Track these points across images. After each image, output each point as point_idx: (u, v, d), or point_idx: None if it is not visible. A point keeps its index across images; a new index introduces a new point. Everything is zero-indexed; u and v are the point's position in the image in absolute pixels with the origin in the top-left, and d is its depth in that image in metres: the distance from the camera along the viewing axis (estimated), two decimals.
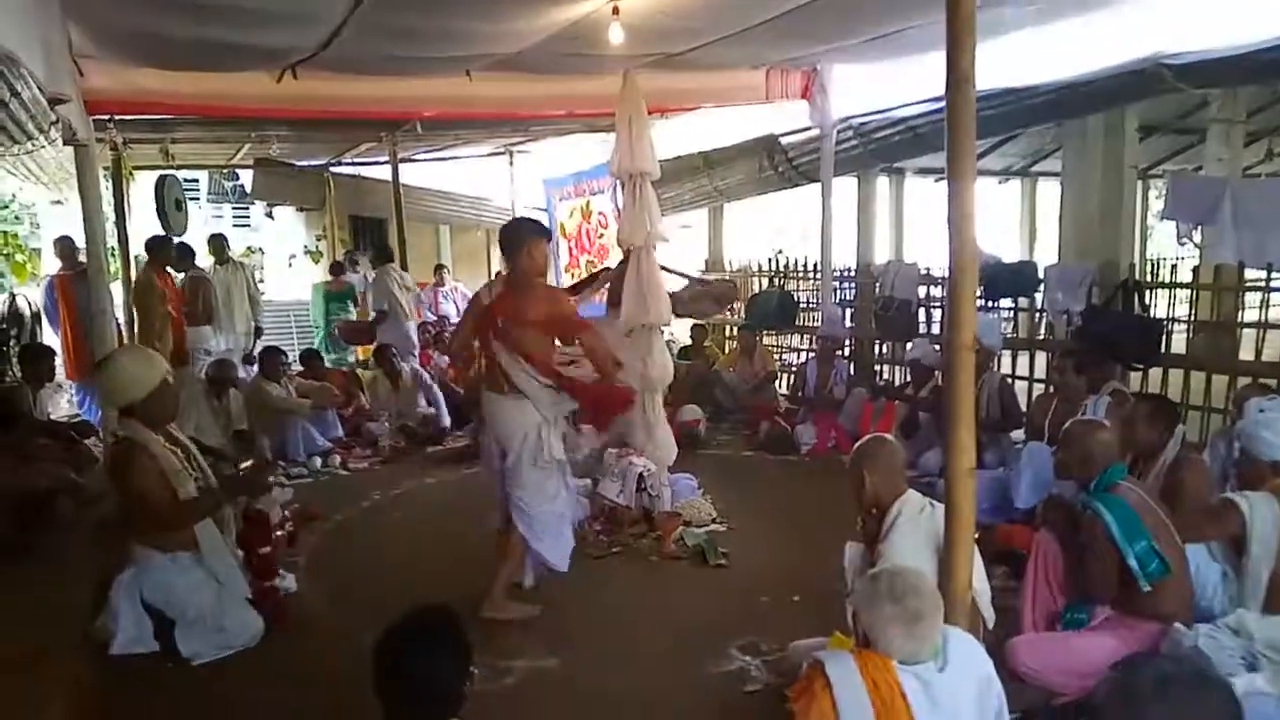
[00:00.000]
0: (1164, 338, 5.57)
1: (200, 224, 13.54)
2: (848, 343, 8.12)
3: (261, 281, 10.14)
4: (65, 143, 5.12)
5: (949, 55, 2.58)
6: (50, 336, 8.32)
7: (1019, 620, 3.29)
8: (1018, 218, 13.12)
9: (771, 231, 18.07)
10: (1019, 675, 2.91)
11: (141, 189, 10.41)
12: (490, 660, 3.25)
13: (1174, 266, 6.12)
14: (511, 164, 12.17)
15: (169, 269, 7.57)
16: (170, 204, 9.42)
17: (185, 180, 12.86)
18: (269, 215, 14.25)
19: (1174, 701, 1.41)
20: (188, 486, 3.61)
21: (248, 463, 4.10)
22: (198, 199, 14.07)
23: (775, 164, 8.88)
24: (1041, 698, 2.92)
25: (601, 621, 3.89)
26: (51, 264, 8.59)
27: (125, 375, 3.63)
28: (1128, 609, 3.06)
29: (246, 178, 12.48)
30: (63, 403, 8.84)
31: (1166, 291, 6.09)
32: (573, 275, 11.87)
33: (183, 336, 7.40)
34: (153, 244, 7.51)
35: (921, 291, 7.59)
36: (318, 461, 6.68)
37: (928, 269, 7.59)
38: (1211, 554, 3.32)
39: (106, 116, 7.06)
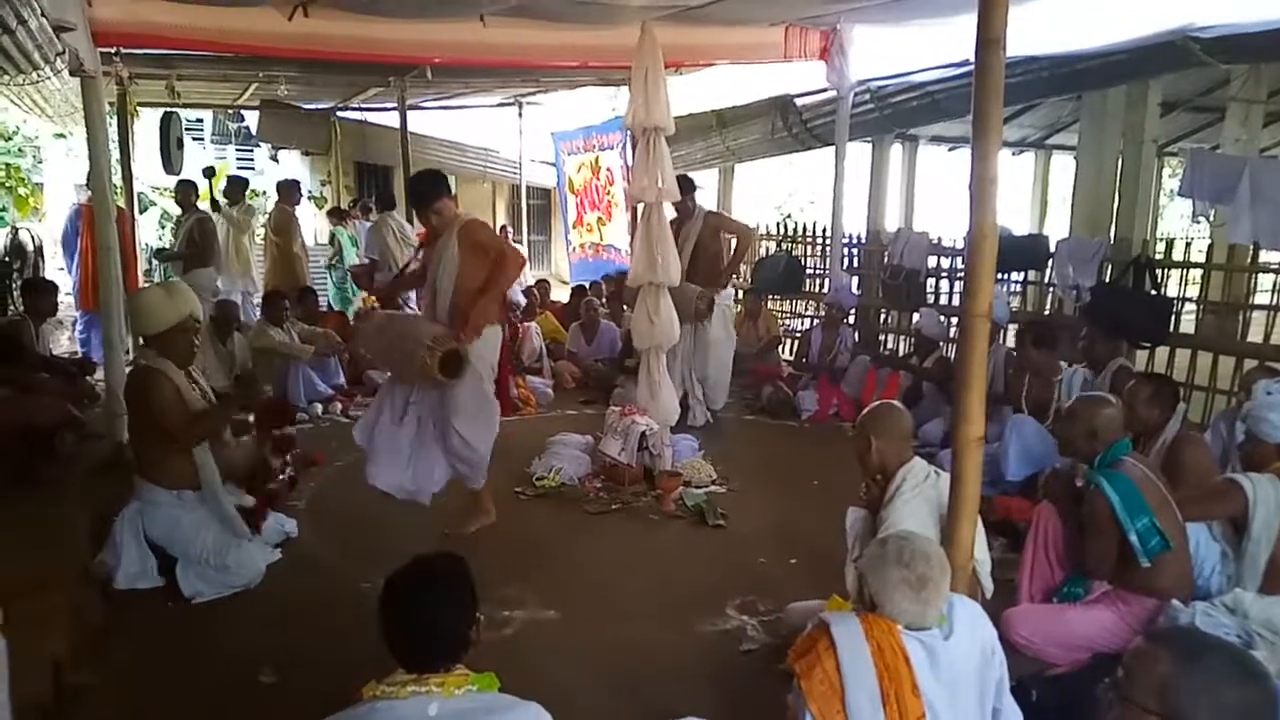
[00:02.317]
0: (1174, 317, 5.55)
1: (204, 164, 13.43)
2: (853, 310, 8.09)
3: (264, 225, 10.03)
4: (71, 73, 5.03)
5: (980, 15, 2.52)
6: (53, 270, 8.29)
7: (1016, 591, 3.32)
8: (1030, 191, 12.99)
9: (782, 195, 17.94)
10: (1014, 645, 2.93)
11: (146, 125, 10.31)
12: (489, 611, 3.26)
13: (1187, 245, 6.07)
14: (520, 115, 12.03)
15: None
16: (172, 141, 9.34)
17: (190, 120, 12.76)
18: (274, 159, 14.10)
19: (1221, 680, 1.39)
20: None
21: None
22: (202, 139, 13.92)
23: (789, 125, 8.76)
24: (1035, 668, 2.94)
25: (600, 577, 3.92)
26: (60, 198, 8.52)
27: (151, 305, 3.70)
28: (1126, 584, 3.07)
29: (252, 119, 12.32)
30: (63, 339, 8.84)
31: (1178, 271, 6.05)
32: (580, 232, 11.83)
33: None
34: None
35: (931, 261, 7.54)
36: (319, 408, 6.68)
37: (938, 239, 7.53)
38: (1212, 533, 3.33)
39: (113, 49, 6.95)
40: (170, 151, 9.39)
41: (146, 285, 3.98)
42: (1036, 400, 4.92)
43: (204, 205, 8.64)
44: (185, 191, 8.28)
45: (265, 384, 6.05)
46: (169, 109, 9.69)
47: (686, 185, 5.99)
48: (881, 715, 1.93)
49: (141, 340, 3.91)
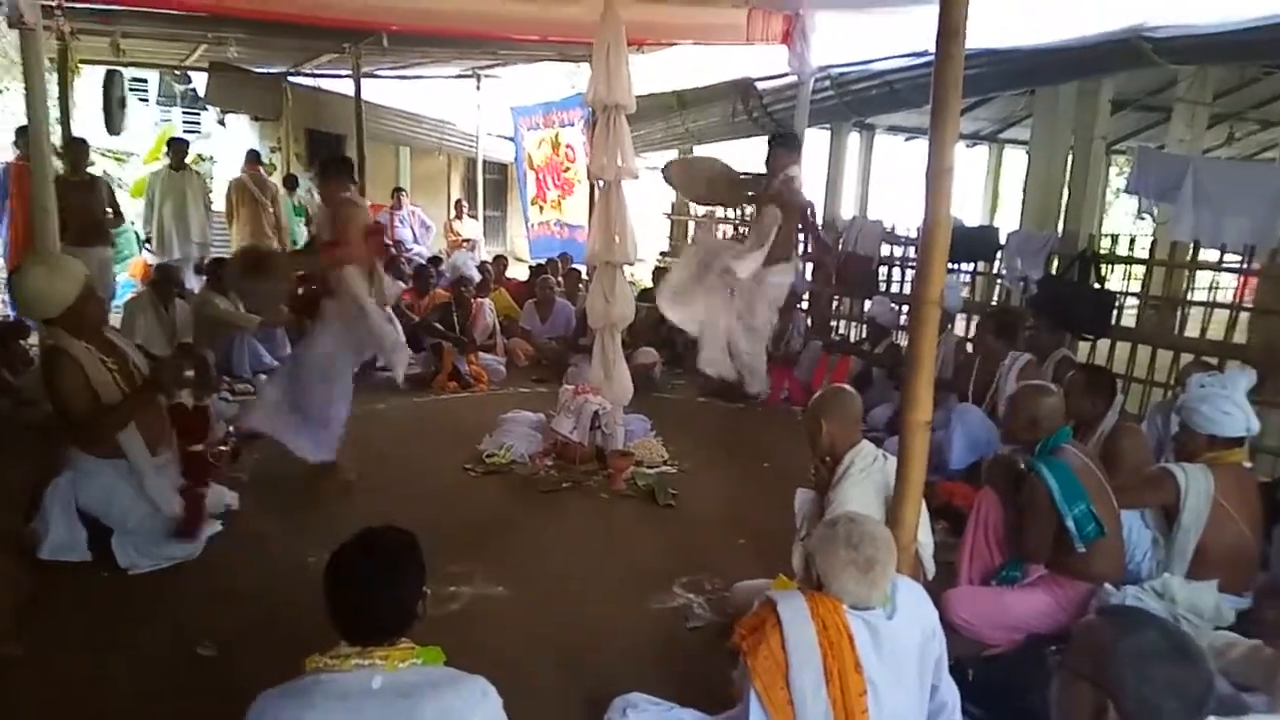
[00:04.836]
0: (1116, 311, 5.69)
1: (150, 126, 13.00)
2: (806, 296, 8.16)
3: (210, 191, 9.79)
4: (10, 25, 4.81)
5: (942, 6, 2.54)
6: None
7: (956, 574, 3.39)
8: (982, 183, 13.22)
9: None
10: (953, 626, 3.00)
11: (87, 84, 9.94)
12: (436, 587, 3.23)
13: (1131, 241, 6.22)
14: (478, 88, 11.84)
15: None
16: (115, 101, 9.03)
17: (134, 80, 12.32)
18: (221, 123, 13.70)
19: (1152, 655, 1.44)
20: (112, 397, 3.49)
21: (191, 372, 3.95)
22: (147, 100, 13.46)
23: (750, 109, 8.76)
24: (973, 648, 3.02)
25: (549, 554, 3.91)
26: (7, 152, 8.12)
27: (36, 290, 3.45)
28: (1061, 569, 3.17)
29: (200, 81, 11.94)
30: None
31: (1122, 266, 6.20)
32: (540, 209, 11.71)
33: None
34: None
35: (884, 249, 7.63)
36: (264, 379, 6.54)
37: (891, 227, 7.62)
38: (1145, 520, 3.45)
39: (54, 3, 6.67)
40: (113, 111, 9.08)
41: (24, 266, 3.68)
42: (980, 386, 5.02)
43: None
44: (79, 152, 7.32)
45: (207, 351, 5.89)
46: (112, 67, 9.34)
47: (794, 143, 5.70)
48: (824, 692, 1.96)
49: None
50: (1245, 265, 5.46)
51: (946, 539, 3.83)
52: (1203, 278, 5.86)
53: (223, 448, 4.63)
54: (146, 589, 3.39)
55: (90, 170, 7.60)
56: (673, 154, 11.51)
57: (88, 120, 10.01)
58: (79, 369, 3.41)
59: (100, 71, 9.54)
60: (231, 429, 4.90)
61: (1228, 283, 6.56)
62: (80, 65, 9.40)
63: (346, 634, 1.72)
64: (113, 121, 9.09)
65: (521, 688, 2.54)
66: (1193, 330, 5.57)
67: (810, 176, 6.15)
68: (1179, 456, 3.42)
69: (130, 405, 3.53)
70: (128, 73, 10.40)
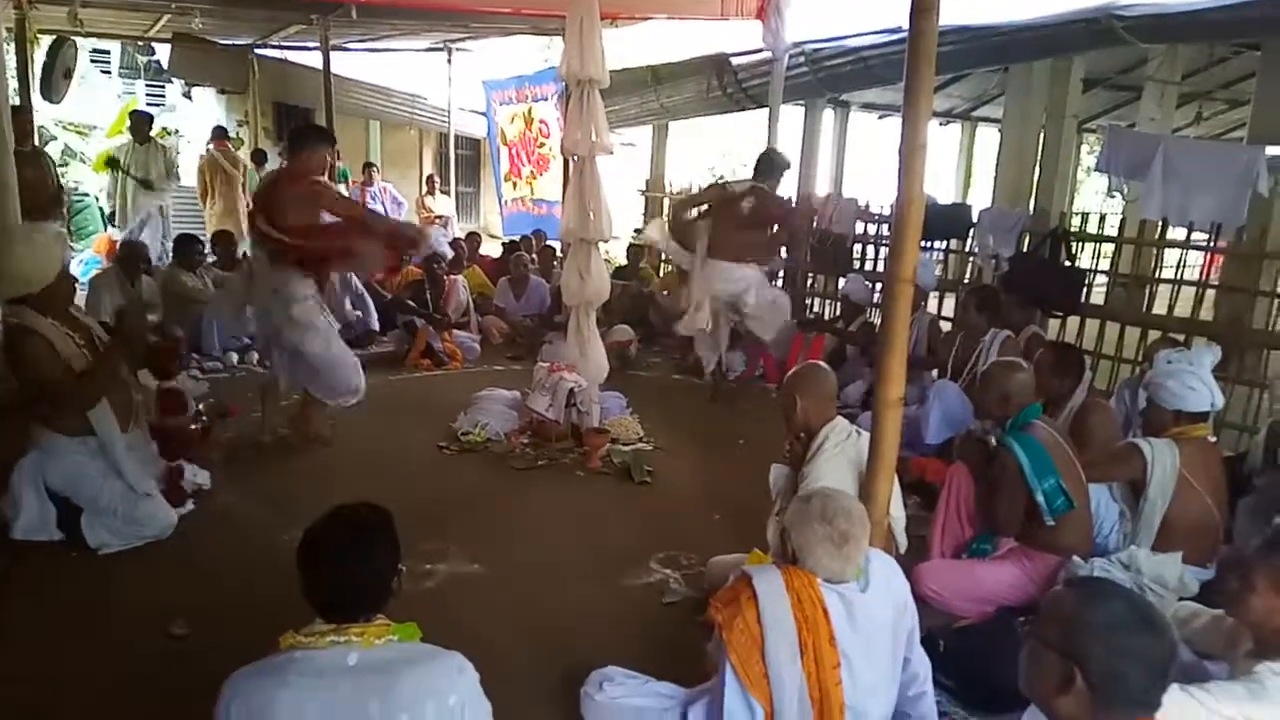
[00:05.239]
0: (1085, 288, 5.76)
1: (112, 99, 12.67)
2: (781, 273, 8.16)
3: (178, 166, 9.59)
4: None
5: None
6: None
7: (927, 547, 3.44)
8: (955, 161, 13.29)
9: (715, 156, 17.92)
10: (924, 598, 3.05)
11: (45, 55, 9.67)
12: (411, 564, 3.23)
13: (1101, 219, 6.29)
14: (450, 61, 11.67)
15: None
16: (59, 70, 8.77)
17: (95, 52, 12.00)
18: (186, 96, 13.38)
19: (1118, 625, 1.48)
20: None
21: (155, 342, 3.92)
22: (110, 73, 13.12)
23: (724, 85, 8.72)
24: (944, 620, 3.07)
25: (524, 531, 3.91)
26: None
27: (21, 269, 3.35)
28: (1031, 541, 3.22)
29: (163, 53, 11.64)
30: None
31: (1092, 244, 6.27)
32: (514, 185, 11.61)
33: None
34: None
35: (859, 227, 7.66)
36: (234, 357, 6.47)
37: (866, 205, 7.64)
38: (1112, 494, 3.51)
39: None
40: (55, 80, 8.81)
41: (4, 240, 3.54)
42: (960, 362, 5.06)
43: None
44: (23, 120, 6.81)
45: (178, 329, 5.80)
46: (64, 35, 9.07)
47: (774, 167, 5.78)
48: (799, 664, 1.98)
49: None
50: (1212, 243, 5.54)
51: (919, 513, 3.87)
52: (1171, 256, 5.95)
53: (193, 427, 4.57)
54: (118, 569, 3.35)
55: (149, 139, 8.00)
56: (647, 129, 11.46)
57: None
58: (47, 346, 3.35)
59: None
60: (201, 408, 4.84)
61: (1195, 260, 6.66)
62: (39, 35, 9.14)
63: (321, 611, 1.71)
64: (51, 89, 8.83)
65: (498, 663, 2.55)
66: (1160, 308, 5.65)
67: (786, 153, 6.15)
68: (1146, 431, 3.49)
69: (104, 366, 3.49)
70: (88, 43, 10.13)
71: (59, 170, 7.45)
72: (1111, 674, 1.46)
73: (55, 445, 3.45)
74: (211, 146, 9.96)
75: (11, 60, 8.03)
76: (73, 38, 9.16)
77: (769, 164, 5.79)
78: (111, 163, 8.65)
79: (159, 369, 4.08)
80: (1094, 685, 1.47)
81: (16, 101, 7.51)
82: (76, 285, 3.57)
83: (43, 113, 9.80)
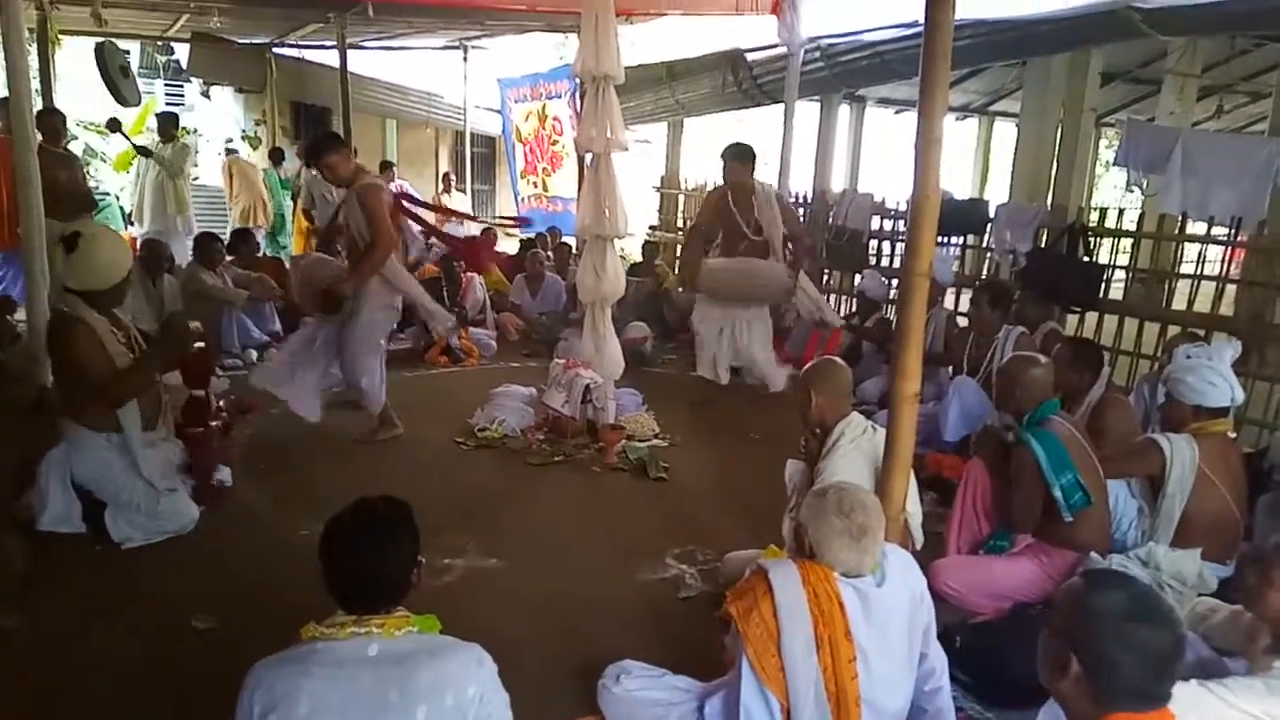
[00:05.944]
0: (1104, 283, 5.72)
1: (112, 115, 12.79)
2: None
3: (196, 165, 9.72)
4: None
5: None
6: None
7: (944, 543, 3.43)
8: (971, 156, 13.20)
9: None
10: (940, 595, 3.04)
11: (69, 56, 9.78)
12: (430, 558, 3.25)
13: (1120, 214, 6.24)
14: (465, 59, 11.72)
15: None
16: (115, 71, 8.88)
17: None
18: (205, 95, 13.49)
19: (1115, 613, 1.49)
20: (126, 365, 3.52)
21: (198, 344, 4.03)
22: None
23: (739, 80, 8.71)
24: (961, 616, 3.06)
25: (541, 527, 3.93)
26: None
27: (105, 261, 3.49)
28: (1048, 538, 3.21)
29: (182, 53, 11.75)
30: None
31: (1110, 239, 6.22)
32: (530, 182, 11.65)
33: None
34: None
35: (874, 223, 7.63)
36: (253, 354, 6.53)
37: (882, 200, 7.61)
38: (1131, 490, 3.49)
39: None
40: (118, 82, 8.93)
41: (93, 235, 3.65)
42: (975, 359, 5.04)
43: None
44: (56, 122, 6.82)
45: (196, 326, 5.85)
46: (100, 39, 9.18)
47: (746, 155, 5.71)
48: (815, 658, 1.99)
49: (63, 289, 3.57)
50: (1232, 237, 5.49)
51: (935, 510, 3.86)
52: (1190, 250, 5.89)
53: (214, 423, 4.62)
54: (141, 562, 3.40)
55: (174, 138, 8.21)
56: (662, 126, 11.45)
57: (72, 92, 9.89)
58: (95, 337, 3.44)
59: (85, 44, 9.38)
60: (222, 404, 4.89)
61: (1215, 255, 6.60)
62: (61, 36, 9.24)
63: (342, 602, 1.74)
64: (122, 92, 8.97)
65: (516, 656, 2.57)
66: (1180, 303, 5.60)
67: (801, 150, 6.14)
68: (1165, 427, 3.46)
69: (146, 366, 3.58)
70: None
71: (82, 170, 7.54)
72: (1104, 660, 1.48)
73: (82, 439, 3.50)
74: (228, 157, 10.32)
75: (34, 61, 8.13)
76: (109, 38, 9.27)
77: (747, 153, 5.73)
78: (143, 150, 8.71)
79: (192, 378, 4.15)
80: (1089, 670, 1.49)
81: (39, 103, 7.63)
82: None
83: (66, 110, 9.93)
